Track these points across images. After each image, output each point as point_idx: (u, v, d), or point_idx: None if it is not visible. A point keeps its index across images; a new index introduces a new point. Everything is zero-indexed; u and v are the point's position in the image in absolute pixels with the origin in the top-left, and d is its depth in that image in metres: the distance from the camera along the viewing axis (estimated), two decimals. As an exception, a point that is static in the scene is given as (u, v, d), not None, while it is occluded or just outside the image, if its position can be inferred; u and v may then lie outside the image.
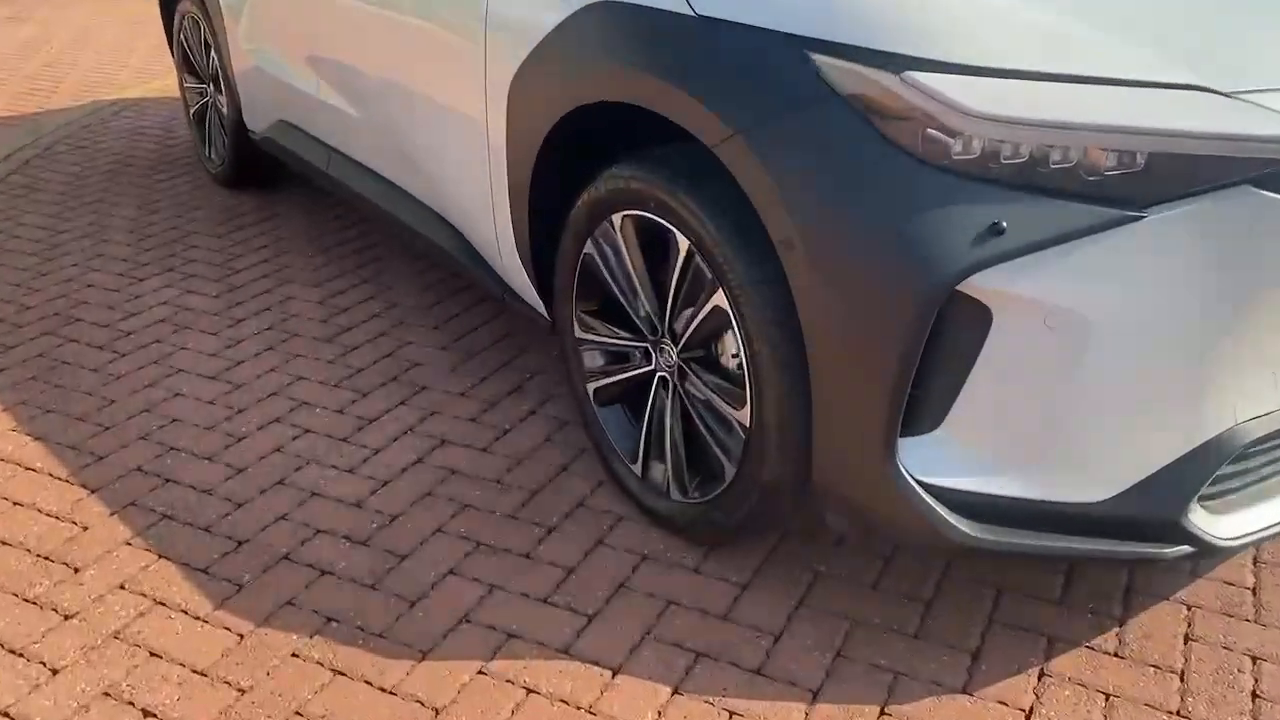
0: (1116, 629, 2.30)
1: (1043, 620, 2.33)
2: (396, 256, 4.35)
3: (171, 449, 3.03)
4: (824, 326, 1.98)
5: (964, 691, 2.15)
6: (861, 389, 1.96)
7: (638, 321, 2.56)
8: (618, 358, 2.71)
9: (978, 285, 1.85)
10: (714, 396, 2.37)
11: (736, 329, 2.20)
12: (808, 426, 2.15)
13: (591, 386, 2.77)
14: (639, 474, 2.67)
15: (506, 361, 3.50)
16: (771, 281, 2.11)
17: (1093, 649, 2.25)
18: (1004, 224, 1.82)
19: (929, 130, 1.86)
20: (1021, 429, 1.95)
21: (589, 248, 2.60)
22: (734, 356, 2.34)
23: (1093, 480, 1.96)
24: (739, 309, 2.17)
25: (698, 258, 2.26)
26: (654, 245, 2.48)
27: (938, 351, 1.92)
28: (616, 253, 2.55)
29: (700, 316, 2.32)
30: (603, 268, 2.59)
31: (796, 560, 2.52)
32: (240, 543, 2.62)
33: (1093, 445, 1.93)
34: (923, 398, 1.96)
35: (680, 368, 2.47)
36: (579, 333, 2.75)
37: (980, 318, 1.89)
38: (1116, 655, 2.24)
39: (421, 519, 2.70)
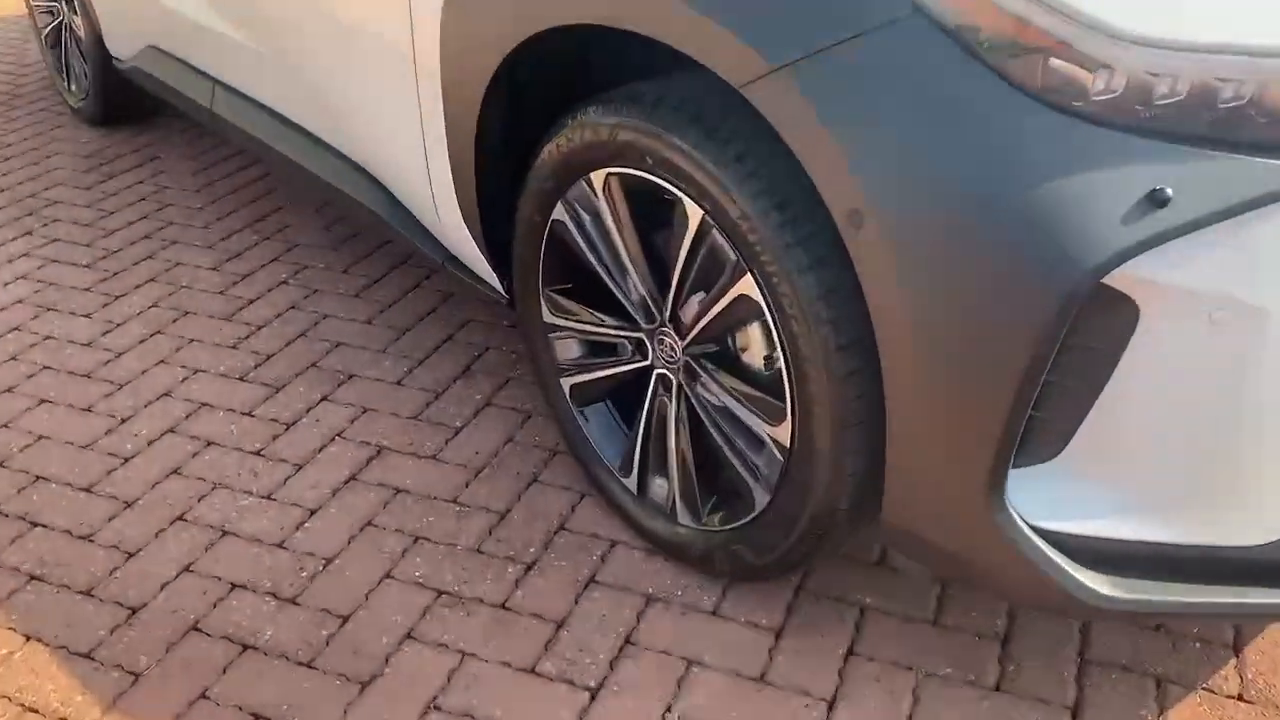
0: (1234, 663, 1.90)
1: (1146, 658, 1.91)
2: (302, 206, 3.70)
3: (38, 478, 2.42)
4: (907, 328, 1.47)
5: (1070, 764, 1.73)
6: (962, 409, 1.47)
7: (629, 306, 2.02)
8: (601, 349, 2.18)
9: (1124, 273, 1.36)
10: (737, 405, 1.86)
11: (774, 326, 1.68)
12: (874, 453, 1.66)
13: (567, 382, 2.24)
14: (634, 490, 2.16)
15: (448, 336, 2.93)
16: (826, 266, 1.59)
17: (1211, 691, 1.85)
18: (1168, 191, 1.32)
19: (1059, 62, 1.34)
20: (1169, 456, 1.48)
21: (559, 213, 2.04)
22: (766, 358, 1.83)
23: (1257, 518, 1.52)
24: (776, 301, 1.65)
25: (715, 232, 1.73)
26: (651, 209, 1.93)
27: (1062, 359, 1.43)
28: (598, 221, 2.00)
29: (719, 307, 1.79)
30: (579, 239, 2.03)
31: (834, 586, 2.06)
32: (134, 610, 2.06)
33: (1264, 475, 1.48)
34: (1039, 419, 1.48)
35: (688, 365, 1.95)
36: (549, 316, 2.20)
37: (1122, 315, 1.40)
38: (1240, 698, 1.83)
39: (364, 561, 2.16)
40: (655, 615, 2.02)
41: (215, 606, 2.06)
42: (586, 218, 2.01)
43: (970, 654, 1.93)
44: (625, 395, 2.20)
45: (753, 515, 1.89)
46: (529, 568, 2.14)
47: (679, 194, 1.76)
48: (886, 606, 2.03)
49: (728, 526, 1.96)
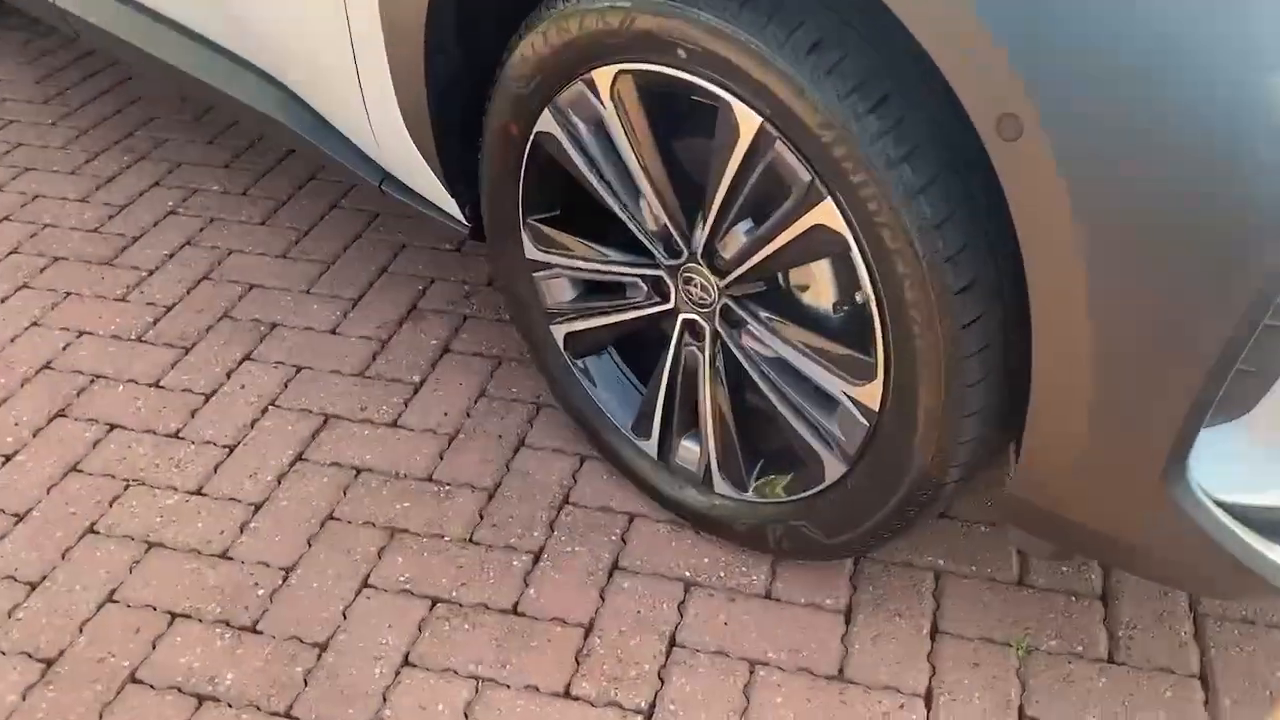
0: (1362, 601, 1.67)
1: (1269, 607, 1.68)
2: (178, 112, 3.12)
3: (-104, 493, 1.93)
4: (1078, 269, 1.12)
5: (1212, 746, 1.49)
6: (1151, 367, 1.14)
7: (643, 238, 1.62)
8: (605, 290, 1.78)
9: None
10: (801, 359, 1.50)
11: (864, 265, 1.32)
12: (1000, 415, 1.33)
13: (560, 330, 1.84)
14: (654, 455, 1.80)
15: (382, 268, 2.48)
16: (946, 188, 1.23)
17: None
18: None
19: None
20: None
21: (547, 124, 1.61)
22: (839, 302, 1.47)
23: None
24: (871, 233, 1.28)
25: (780, 146, 1.33)
26: (676, 115, 1.52)
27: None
28: (601, 132, 1.58)
29: (781, 240, 1.41)
30: (576, 156, 1.61)
31: (898, 550, 1.76)
32: (46, 663, 1.63)
33: None
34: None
35: (727, 309, 1.58)
36: (533, 252, 1.78)
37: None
38: None
39: (332, 568, 1.77)
40: (700, 606, 1.69)
41: (154, 647, 1.65)
42: (585, 129, 1.59)
43: (1072, 620, 1.66)
44: (638, 344, 1.82)
45: (822, 487, 1.56)
46: (536, 557, 1.78)
47: (726, 96, 1.35)
48: (964, 569, 1.74)
49: (788, 499, 1.63)
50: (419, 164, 1.90)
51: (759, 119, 1.34)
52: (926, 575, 1.73)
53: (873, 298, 1.33)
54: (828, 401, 1.51)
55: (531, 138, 1.65)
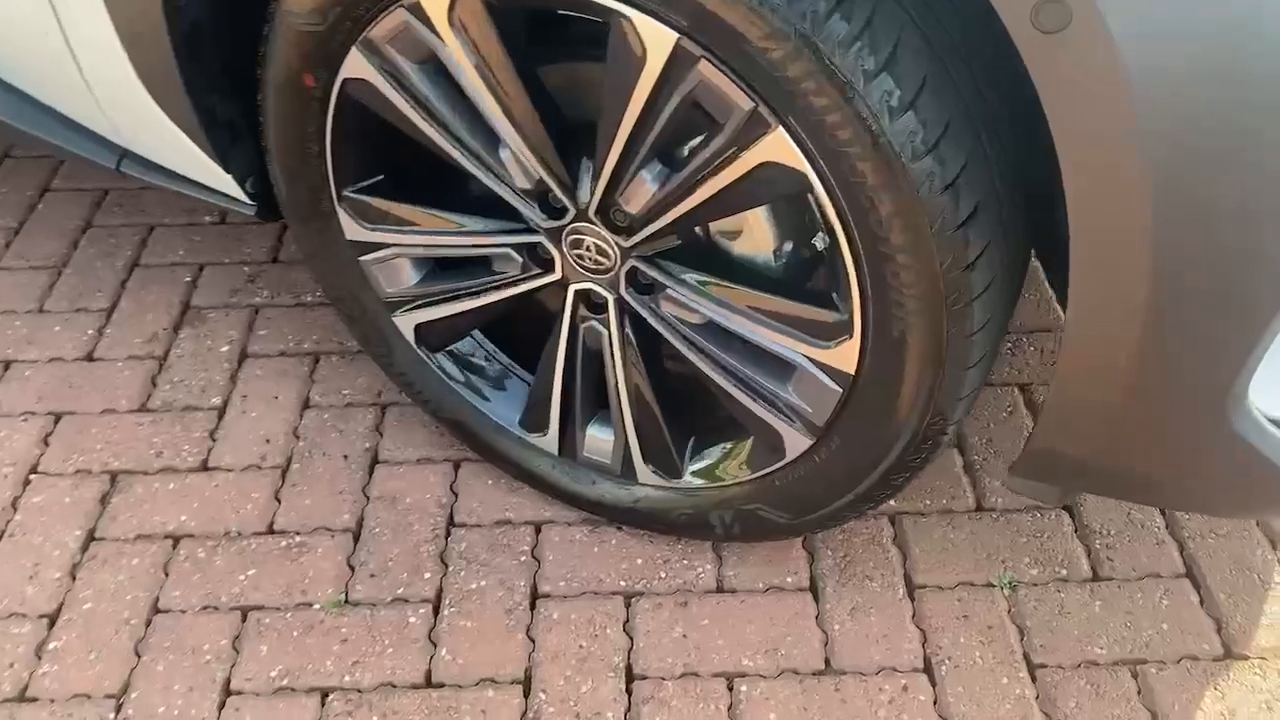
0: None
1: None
2: None
3: None
4: (1142, 189, 0.89)
5: None
6: (1212, 296, 0.94)
7: (510, 196, 1.27)
8: (462, 267, 1.41)
9: None
10: (744, 321, 1.22)
11: (832, 204, 1.04)
12: (992, 363, 1.11)
13: (406, 321, 1.47)
14: (554, 451, 1.49)
15: (132, 262, 1.98)
16: (942, 97, 0.96)
17: (1302, 498, 1.56)
18: None
19: None
20: None
21: (357, 68, 1.21)
22: (794, 252, 1.19)
23: None
24: (843, 164, 1.00)
25: (706, 68, 1.02)
26: (539, 37, 1.17)
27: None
28: (437, 71, 1.20)
29: (714, 184, 1.10)
30: (403, 103, 1.23)
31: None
32: None
33: None
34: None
35: (634, 272, 1.27)
36: (357, 231, 1.39)
37: None
38: (1331, 496, 1.56)
39: (187, 699, 1.37)
40: (650, 620, 1.42)
41: None
42: (414, 69, 1.20)
43: (1044, 541, 1.51)
44: (515, 322, 1.48)
45: (782, 464, 1.31)
46: (436, 606, 1.45)
47: (623, 9, 1.01)
48: (918, 506, 1.55)
49: (738, 480, 1.37)
50: (172, 135, 1.44)
51: (674, 35, 1.01)
52: (882, 523, 1.53)
53: (844, 243, 1.06)
54: (781, 368, 1.24)
55: (336, 89, 1.24)
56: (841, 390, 1.19)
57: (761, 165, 1.05)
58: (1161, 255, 0.91)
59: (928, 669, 1.37)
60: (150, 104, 1.40)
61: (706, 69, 1.02)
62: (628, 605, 1.44)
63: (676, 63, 1.03)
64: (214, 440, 1.66)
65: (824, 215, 1.06)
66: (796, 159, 1.03)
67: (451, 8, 1.10)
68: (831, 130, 0.99)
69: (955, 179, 0.99)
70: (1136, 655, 1.38)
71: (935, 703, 1.34)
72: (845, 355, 1.15)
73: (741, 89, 1.01)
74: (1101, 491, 1.22)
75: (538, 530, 1.53)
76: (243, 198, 1.51)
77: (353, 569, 1.49)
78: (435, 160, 1.29)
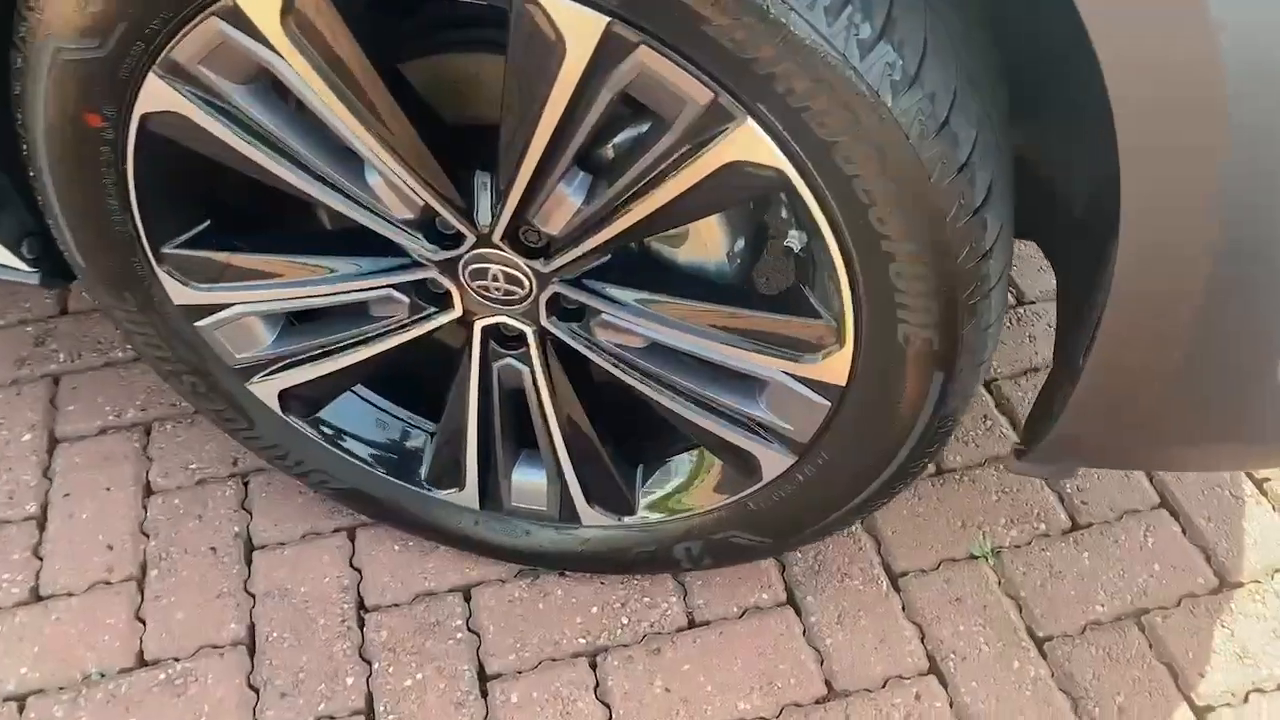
0: None
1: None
2: None
3: None
4: (1215, 145, 0.73)
5: None
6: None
7: (386, 229, 1.01)
8: (329, 316, 1.14)
9: None
10: (702, 341, 1.01)
11: (817, 201, 0.84)
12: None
13: (267, 389, 1.19)
14: (475, 505, 1.26)
15: (-121, 343, 1.58)
16: (942, 60, 0.78)
17: None
18: None
19: None
20: None
21: (158, 97, 0.92)
22: (757, 257, 0.99)
23: None
24: (834, 154, 0.81)
25: (650, 52, 0.79)
26: (402, 30, 0.91)
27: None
28: (271, 87, 0.92)
29: (664, 193, 0.88)
30: (229, 132, 0.94)
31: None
32: None
33: None
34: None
35: (557, 299, 1.04)
36: (187, 294, 1.10)
37: None
38: None
39: None
40: (624, 679, 1.23)
41: None
42: (237, 89, 0.91)
43: (1014, 496, 1.40)
44: (402, 379, 1.23)
45: (758, 486, 1.13)
46: (370, 717, 1.21)
47: (533, -6, 0.77)
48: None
49: (706, 509, 1.18)
50: None
51: (601, 19, 0.77)
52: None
53: (833, 244, 0.87)
54: (748, 384, 1.05)
55: (134, 127, 0.94)
56: (830, 404, 1.01)
57: (725, 166, 0.84)
58: (1229, 225, 0.77)
59: (934, 668, 1.25)
60: None
61: (648, 56, 0.79)
62: (594, 666, 1.25)
63: (606, 52, 0.80)
64: (40, 559, 1.35)
65: (803, 213, 0.87)
66: (770, 155, 0.82)
67: (286, 8, 0.83)
68: (819, 117, 0.78)
69: (969, 158, 0.81)
70: (1137, 605, 1.30)
71: (952, 705, 1.22)
72: (833, 367, 0.97)
73: (697, 78, 0.79)
74: (1118, 465, 1.10)
75: (467, 596, 1.31)
76: (19, 265, 1.18)
77: (257, 691, 1.23)
78: (276, 194, 1.01)
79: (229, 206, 1.09)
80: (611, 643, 1.27)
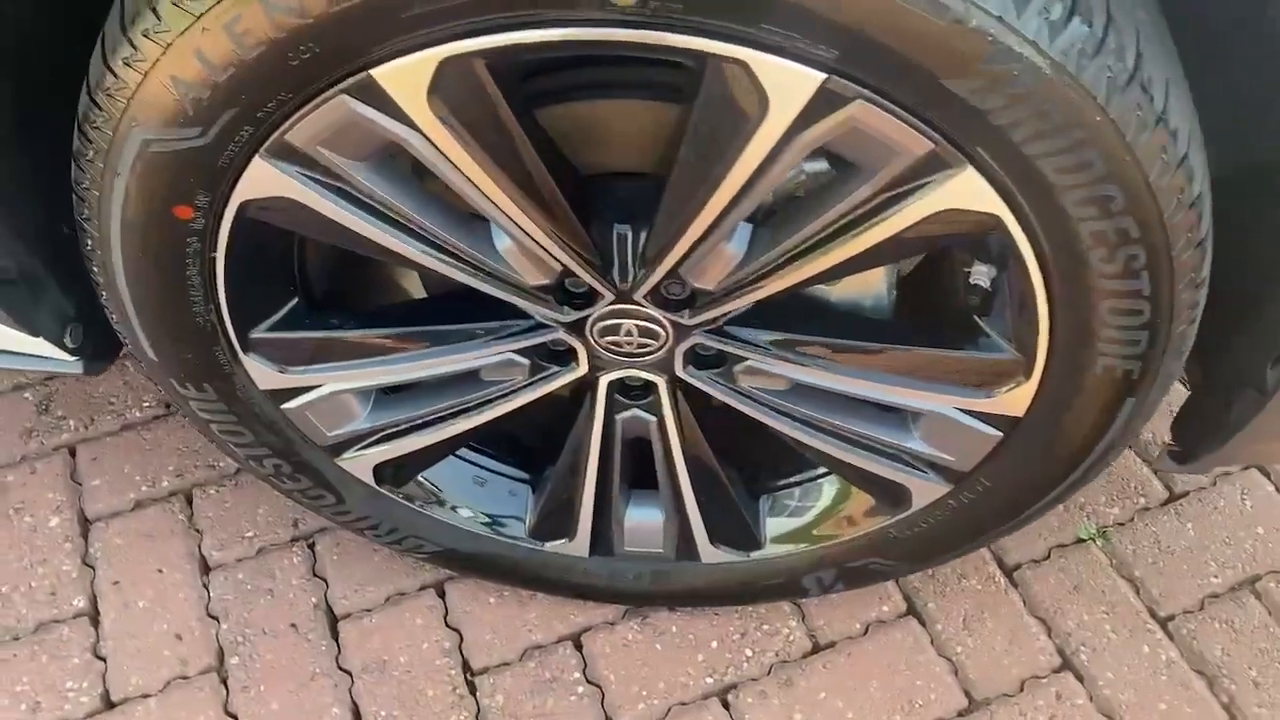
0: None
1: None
2: None
3: None
4: None
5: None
6: None
7: (514, 295, 0.91)
8: (433, 388, 1.03)
9: None
10: (867, 383, 0.94)
11: (1031, 243, 0.78)
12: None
13: (360, 462, 1.08)
14: (585, 552, 1.18)
15: None
16: (1179, 89, 0.71)
17: None
18: None
19: None
20: None
21: (263, 183, 0.80)
22: (926, 283, 0.92)
23: None
24: (1059, 198, 0.74)
25: (866, 105, 0.70)
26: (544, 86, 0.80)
27: None
28: (396, 160, 0.81)
29: (858, 244, 0.80)
30: (344, 212, 0.83)
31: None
32: None
33: None
34: None
35: (697, 349, 0.96)
36: (275, 378, 0.98)
37: None
38: None
39: None
40: (761, 716, 1.19)
41: None
42: (358, 165, 0.80)
43: (1114, 475, 1.38)
44: (511, 438, 1.13)
45: (906, 514, 1.08)
46: (506, 788, 1.15)
47: (740, 52, 0.68)
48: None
49: (840, 539, 1.12)
50: None
51: (818, 76, 0.68)
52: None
53: (1039, 283, 0.81)
54: (899, 418, 0.99)
55: (231, 215, 0.82)
56: (1001, 434, 0.96)
57: (932, 215, 0.77)
58: None
59: (1067, 663, 1.23)
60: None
61: (862, 110, 0.71)
62: (727, 706, 1.20)
63: (814, 108, 0.71)
64: (103, 659, 1.23)
65: (1003, 251, 0.80)
66: (987, 201, 0.75)
67: (436, 82, 0.71)
68: (1057, 162, 0.71)
69: (1197, 197, 0.75)
70: (1249, 572, 1.30)
71: (1092, 700, 1.21)
72: (1013, 400, 0.92)
73: (916, 129, 0.71)
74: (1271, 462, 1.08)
75: (578, 645, 1.24)
76: (62, 356, 1.05)
77: (369, 784, 1.15)
78: (363, 265, 0.91)
79: (315, 282, 0.97)
80: (740, 678, 1.22)
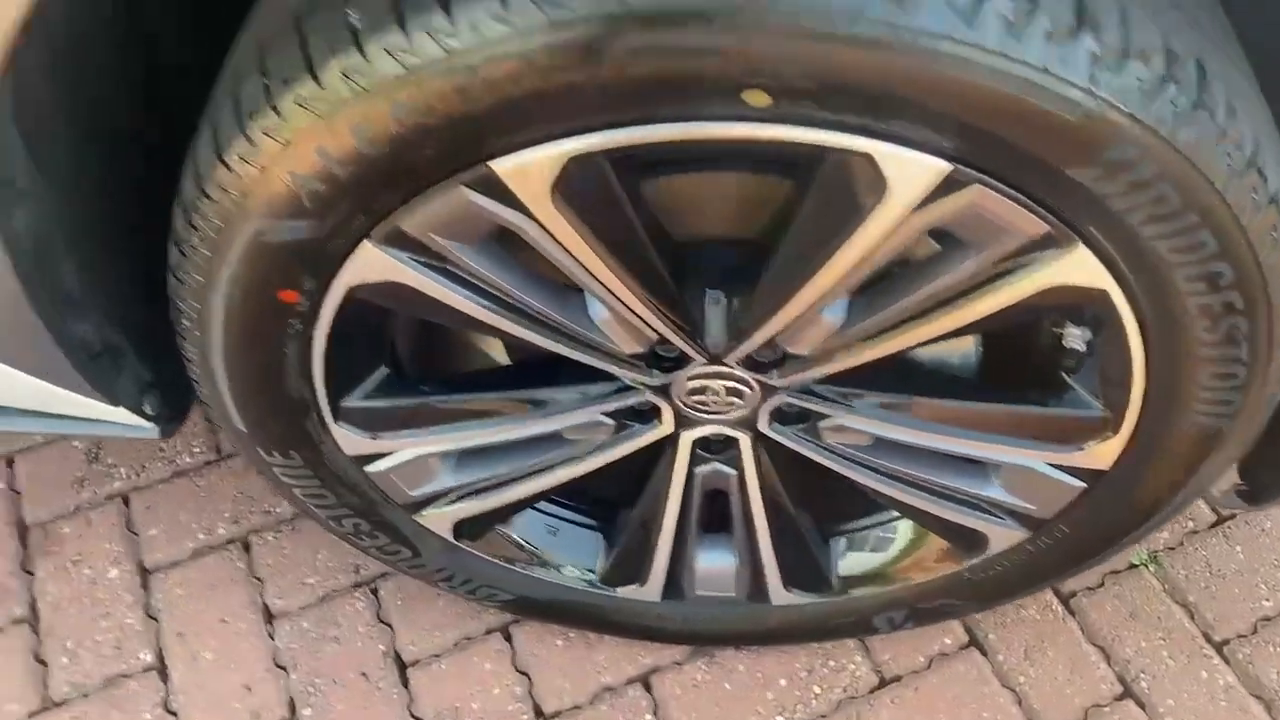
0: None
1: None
2: None
3: None
4: None
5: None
6: None
7: (606, 362, 0.92)
8: (515, 448, 1.04)
9: None
10: (952, 439, 0.96)
11: (1135, 312, 0.79)
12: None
13: (441, 518, 1.09)
14: (657, 596, 1.19)
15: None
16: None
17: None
18: None
19: None
20: None
21: (373, 267, 0.80)
22: (1037, 353, 0.93)
23: None
24: (1173, 273, 0.75)
25: (986, 191, 0.71)
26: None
27: None
28: (502, 243, 0.81)
29: (962, 316, 0.82)
30: (448, 291, 0.83)
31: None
32: None
33: None
34: None
35: (785, 407, 0.97)
36: (363, 444, 0.98)
37: None
38: None
39: None
40: (834, 754, 1.21)
41: None
42: (467, 249, 0.80)
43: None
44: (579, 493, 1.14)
45: (982, 558, 1.09)
46: (586, 833, 1.16)
47: (865, 144, 0.68)
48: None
49: (914, 582, 1.14)
50: (23, 384, 0.95)
51: (945, 167, 0.69)
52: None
53: (1137, 348, 0.82)
54: (979, 468, 1.01)
55: (338, 299, 0.82)
56: (1085, 485, 0.97)
57: (1040, 291, 0.78)
58: None
59: (1128, 691, 1.25)
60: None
61: (980, 195, 0.72)
62: (798, 744, 1.22)
63: (936, 194, 0.72)
64: (173, 714, 1.23)
65: (1108, 319, 0.81)
66: (1096, 277, 0.76)
67: (560, 178, 0.72)
68: (1174, 244, 0.73)
69: None
70: (1300, 595, 1.33)
71: (1154, 727, 1.23)
72: (1100, 454, 0.93)
73: (1034, 212, 0.72)
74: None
75: (647, 685, 1.25)
76: (139, 423, 1.05)
77: (460, 829, 1.16)
78: (446, 333, 0.91)
79: (401, 350, 0.97)
80: (810, 715, 1.23)
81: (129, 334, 0.97)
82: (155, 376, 1.02)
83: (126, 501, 1.39)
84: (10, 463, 1.42)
